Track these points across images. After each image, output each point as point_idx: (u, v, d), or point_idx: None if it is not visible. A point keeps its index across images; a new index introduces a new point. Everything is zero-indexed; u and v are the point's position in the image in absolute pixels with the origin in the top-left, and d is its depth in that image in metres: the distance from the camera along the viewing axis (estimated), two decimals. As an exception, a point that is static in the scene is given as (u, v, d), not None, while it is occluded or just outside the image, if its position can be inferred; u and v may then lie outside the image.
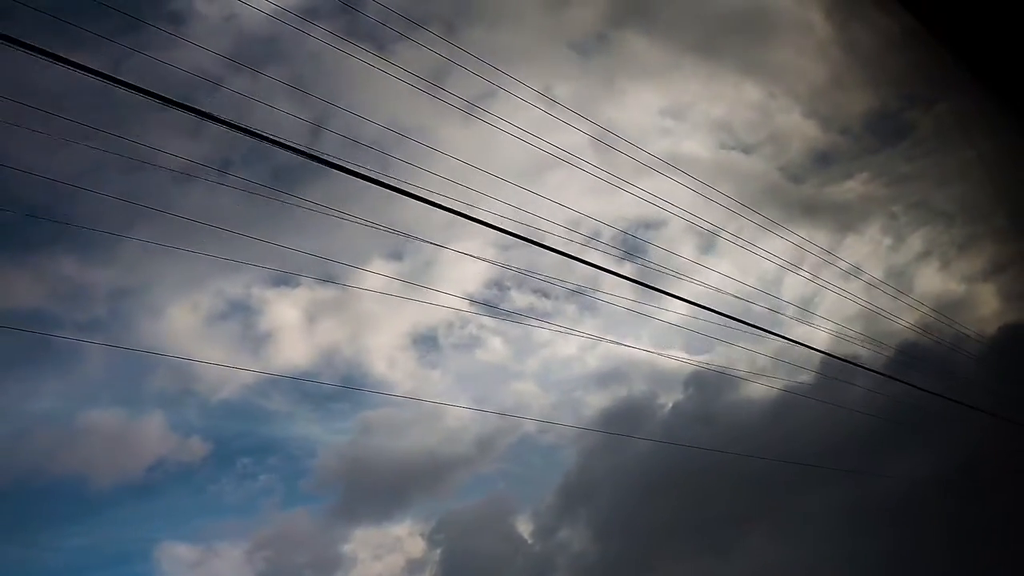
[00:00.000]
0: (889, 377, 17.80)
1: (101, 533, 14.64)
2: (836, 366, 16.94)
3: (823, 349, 17.04)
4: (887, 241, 20.99)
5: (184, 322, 16.10)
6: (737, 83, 18.54)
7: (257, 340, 17.13)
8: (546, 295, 19.03)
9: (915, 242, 20.95)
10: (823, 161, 20.07)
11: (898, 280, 20.05)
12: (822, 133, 19.33)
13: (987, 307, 20.16)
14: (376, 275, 15.60)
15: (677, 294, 13.19)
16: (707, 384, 18.10)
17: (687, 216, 16.41)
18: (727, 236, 17.38)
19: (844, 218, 20.29)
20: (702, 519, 17.25)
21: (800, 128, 19.13)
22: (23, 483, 13.84)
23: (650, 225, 17.73)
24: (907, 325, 19.17)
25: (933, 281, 20.76)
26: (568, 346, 19.79)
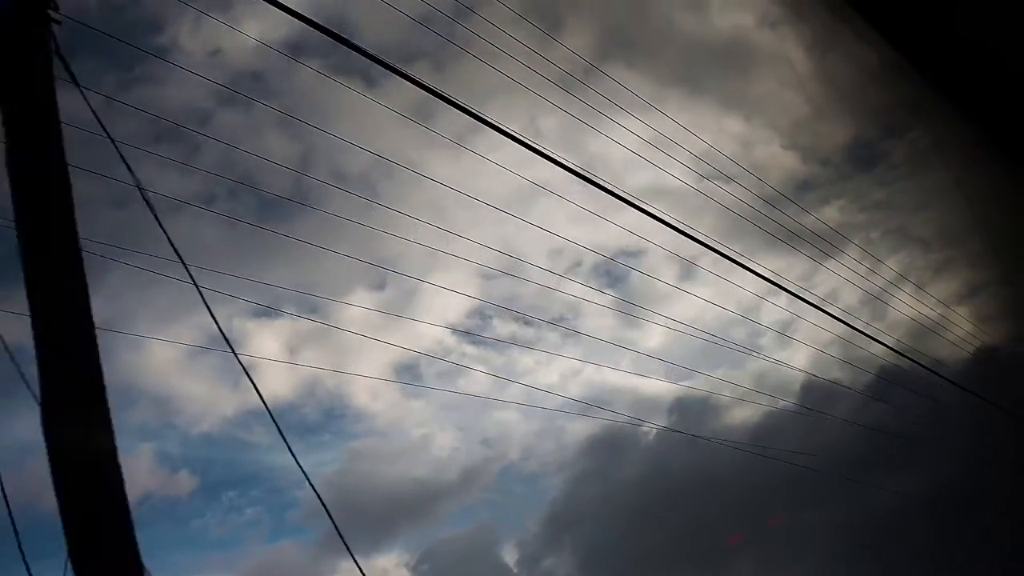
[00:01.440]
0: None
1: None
2: (821, 388, 17.12)
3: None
4: (863, 267, 21.30)
5: (164, 354, 15.96)
6: (719, 115, 18.90)
7: (239, 372, 16.99)
8: (528, 323, 19.09)
9: (891, 267, 21.28)
10: (803, 190, 20.42)
11: (874, 304, 20.33)
12: (802, 163, 19.70)
13: (963, 330, 20.47)
14: (358, 306, 15.61)
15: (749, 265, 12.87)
16: (691, 410, 18.19)
17: (668, 245, 16.61)
18: (707, 264, 17.60)
19: (822, 245, 20.63)
20: (689, 544, 17.27)
21: (780, 158, 19.50)
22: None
23: (631, 254, 17.92)
24: (884, 349, 19.42)
25: (909, 305, 21.05)
26: (550, 374, 19.84)
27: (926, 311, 20.41)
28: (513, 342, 18.16)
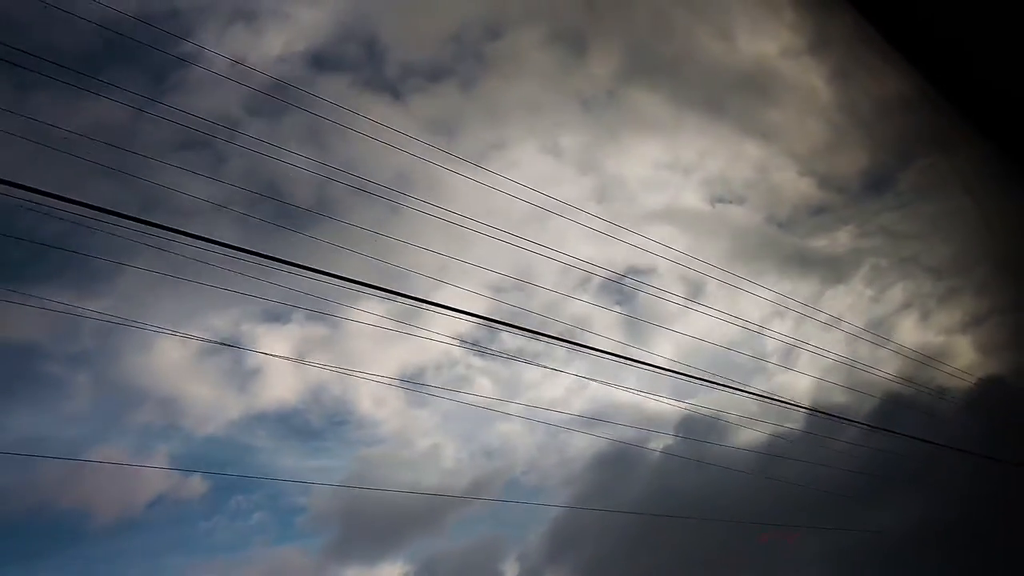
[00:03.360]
0: (873, 427, 18.03)
1: (70, 571, 14.29)
2: (823, 418, 17.17)
3: (802, 404, 17.28)
4: (870, 292, 21.42)
5: (172, 356, 16.01)
6: (738, 141, 19.08)
7: (245, 376, 17.04)
8: (534, 338, 19.11)
9: (897, 294, 21.40)
10: (817, 216, 20.57)
11: (879, 330, 20.45)
12: (817, 189, 19.88)
13: (966, 359, 20.52)
14: (367, 313, 15.69)
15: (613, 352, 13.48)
16: (697, 429, 18.19)
17: (678, 265, 16.77)
18: (715, 286, 17.74)
19: (832, 270, 20.79)
20: (691, 564, 17.25)
21: (796, 184, 19.67)
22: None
23: (642, 273, 18.07)
24: (888, 376, 19.51)
25: (913, 332, 21.15)
26: (555, 388, 19.86)
27: (931, 338, 20.51)
28: (519, 356, 18.22)
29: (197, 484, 15.78)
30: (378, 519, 16.70)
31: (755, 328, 18.10)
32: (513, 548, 18.54)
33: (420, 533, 17.79)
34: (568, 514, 18.14)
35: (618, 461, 18.38)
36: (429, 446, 18.54)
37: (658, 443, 18.92)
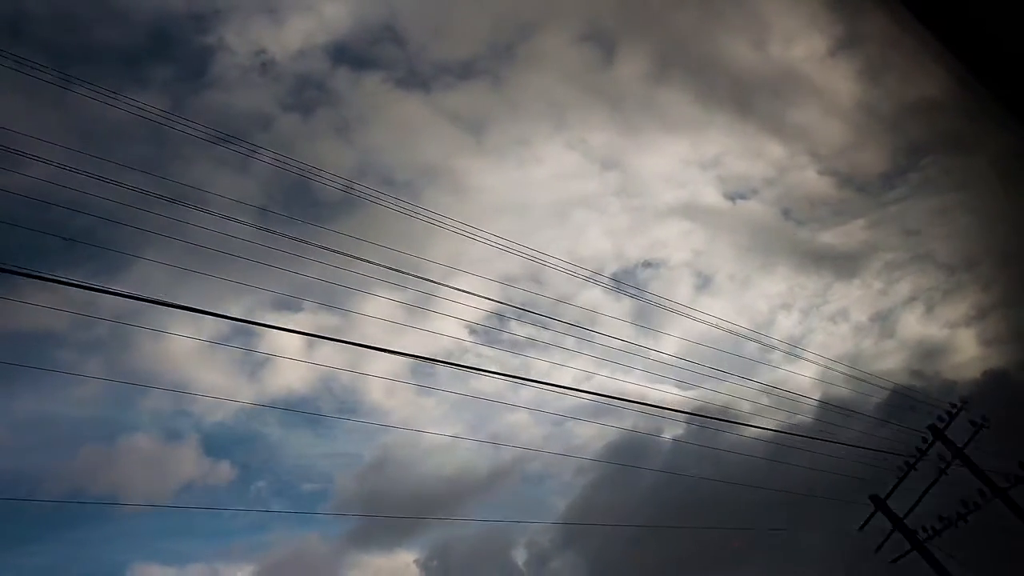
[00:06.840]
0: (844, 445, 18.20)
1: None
2: (830, 414, 17.37)
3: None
4: (878, 285, 21.62)
5: (185, 344, 16.15)
6: (762, 140, 19.23)
7: (256, 364, 17.18)
8: (545, 328, 19.25)
9: (904, 288, 21.61)
10: (833, 213, 20.77)
11: (885, 324, 20.70)
12: (836, 189, 20.08)
13: (969, 352, 20.79)
14: (379, 303, 15.85)
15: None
16: (706, 421, 18.39)
17: (694, 258, 16.94)
18: (725, 277, 17.92)
19: (847, 265, 21.09)
20: (696, 552, 17.53)
21: (814, 183, 19.88)
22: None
23: (656, 265, 18.30)
24: (894, 367, 19.75)
25: (918, 326, 21.37)
26: (563, 378, 20.05)
27: (934, 332, 20.72)
28: (530, 345, 18.40)
29: (223, 470, 16.00)
30: (394, 508, 16.94)
31: (763, 320, 18.32)
32: (522, 536, 18.86)
33: (435, 521, 18.06)
34: (576, 503, 18.42)
35: (628, 451, 18.57)
36: (442, 437, 18.77)
37: (669, 434, 19.10)
